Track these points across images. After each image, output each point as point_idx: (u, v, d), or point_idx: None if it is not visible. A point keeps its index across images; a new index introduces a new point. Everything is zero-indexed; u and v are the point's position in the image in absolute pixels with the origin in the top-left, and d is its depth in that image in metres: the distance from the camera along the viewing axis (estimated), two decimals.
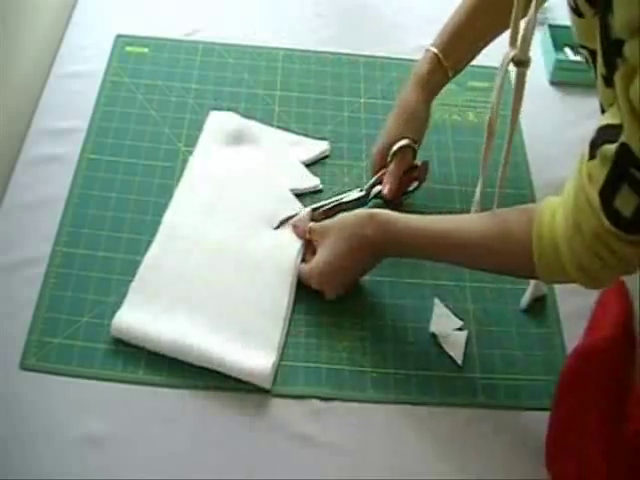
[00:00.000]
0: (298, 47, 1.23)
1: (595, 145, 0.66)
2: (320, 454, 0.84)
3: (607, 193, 0.65)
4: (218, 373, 0.87)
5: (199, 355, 0.87)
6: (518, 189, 1.08)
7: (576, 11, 0.69)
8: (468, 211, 0.96)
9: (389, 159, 1.00)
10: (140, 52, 1.19)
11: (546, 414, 0.84)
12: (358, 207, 0.98)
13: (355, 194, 1.02)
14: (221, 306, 0.92)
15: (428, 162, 1.05)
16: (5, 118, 1.03)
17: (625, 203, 0.64)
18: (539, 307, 0.97)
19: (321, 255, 0.92)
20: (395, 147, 0.99)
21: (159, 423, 0.84)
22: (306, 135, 1.11)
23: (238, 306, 0.92)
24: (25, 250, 0.96)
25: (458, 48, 0.99)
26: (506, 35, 0.83)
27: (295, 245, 0.97)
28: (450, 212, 0.90)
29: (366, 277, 0.96)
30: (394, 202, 1.01)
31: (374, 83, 1.19)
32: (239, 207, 1.01)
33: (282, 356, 0.90)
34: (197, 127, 1.10)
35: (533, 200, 1.05)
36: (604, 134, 0.66)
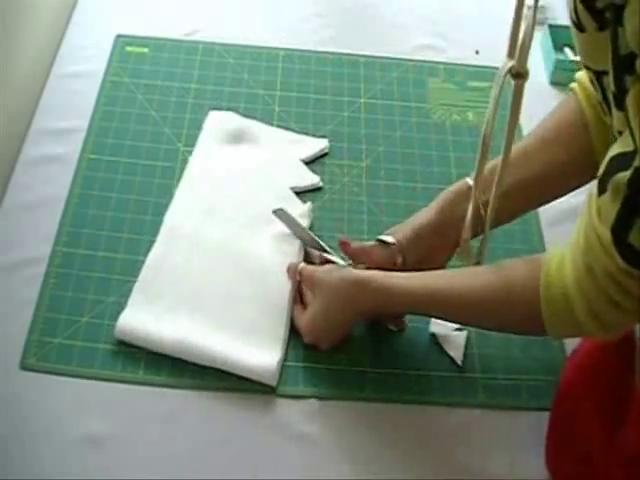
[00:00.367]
0: (298, 47, 1.23)
1: (605, 178, 0.62)
2: (319, 454, 0.83)
3: (620, 228, 0.61)
4: (218, 373, 0.87)
5: (203, 355, 0.87)
6: None
7: (578, 25, 0.66)
8: None
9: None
10: (140, 52, 1.19)
11: (546, 414, 0.84)
12: None
13: (339, 261, 0.94)
14: (224, 305, 0.92)
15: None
16: (5, 118, 1.03)
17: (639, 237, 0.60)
18: None
19: (314, 313, 0.89)
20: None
21: (159, 423, 0.84)
22: (306, 135, 1.11)
23: (241, 305, 0.92)
24: (25, 250, 0.96)
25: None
26: (503, 39, 0.77)
27: (295, 243, 0.97)
28: None
29: None
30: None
31: (374, 83, 1.19)
32: (239, 206, 1.01)
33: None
34: (197, 127, 1.10)
35: None
36: (616, 164, 0.61)
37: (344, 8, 1.31)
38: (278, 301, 0.92)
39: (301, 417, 0.86)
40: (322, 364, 0.90)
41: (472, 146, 1.11)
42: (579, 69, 0.82)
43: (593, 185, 0.65)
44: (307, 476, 0.82)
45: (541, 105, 1.13)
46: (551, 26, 1.23)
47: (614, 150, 0.62)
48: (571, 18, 0.67)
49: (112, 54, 1.18)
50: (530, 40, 0.73)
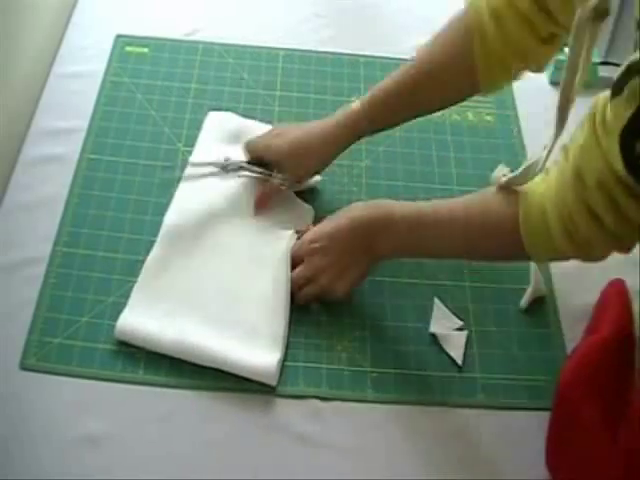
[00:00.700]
0: (298, 47, 1.23)
1: (623, 79, 0.60)
2: (320, 454, 0.83)
3: (630, 132, 0.59)
4: (218, 373, 0.87)
5: (203, 355, 0.87)
6: None
7: None
8: None
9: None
10: (140, 52, 1.19)
11: (546, 414, 0.84)
12: None
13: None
14: (224, 305, 0.92)
15: None
16: (5, 118, 1.03)
17: None
18: (539, 307, 0.97)
19: (331, 261, 0.91)
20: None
21: (159, 423, 0.84)
22: None
23: (241, 305, 0.92)
24: (25, 250, 0.96)
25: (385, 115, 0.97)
26: None
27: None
28: None
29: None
30: None
31: (374, 83, 1.19)
32: (239, 205, 1.01)
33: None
34: (197, 127, 1.09)
35: None
36: (636, 68, 0.59)
37: (344, 8, 1.31)
38: (278, 300, 0.92)
39: (301, 417, 0.86)
40: (322, 364, 0.90)
41: (472, 146, 1.11)
42: None
43: (599, 97, 0.65)
44: (307, 476, 0.82)
45: (541, 105, 1.13)
46: None
47: (636, 54, 0.61)
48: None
49: (112, 54, 1.18)
50: None
